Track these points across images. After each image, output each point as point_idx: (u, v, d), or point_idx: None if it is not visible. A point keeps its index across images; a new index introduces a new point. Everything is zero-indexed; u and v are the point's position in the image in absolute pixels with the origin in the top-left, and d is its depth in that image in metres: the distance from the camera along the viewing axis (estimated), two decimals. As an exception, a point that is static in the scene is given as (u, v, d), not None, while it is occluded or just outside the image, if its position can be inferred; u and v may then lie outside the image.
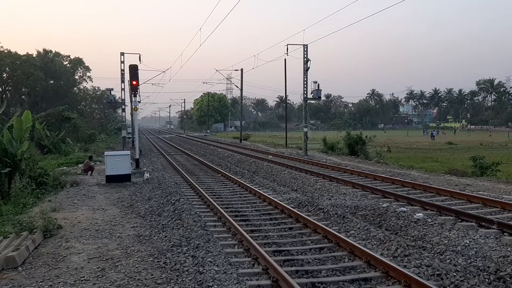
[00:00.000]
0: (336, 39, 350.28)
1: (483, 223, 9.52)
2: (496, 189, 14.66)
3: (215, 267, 7.12)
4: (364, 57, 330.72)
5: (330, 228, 9.53)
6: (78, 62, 79.55)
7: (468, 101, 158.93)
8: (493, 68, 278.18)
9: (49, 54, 76.11)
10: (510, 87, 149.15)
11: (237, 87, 56.51)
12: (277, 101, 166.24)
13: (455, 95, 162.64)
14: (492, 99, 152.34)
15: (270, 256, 7.48)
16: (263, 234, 9.66)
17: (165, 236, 9.41)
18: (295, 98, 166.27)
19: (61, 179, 17.59)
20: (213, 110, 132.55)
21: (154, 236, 9.56)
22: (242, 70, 52.41)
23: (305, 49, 32.33)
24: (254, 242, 8.18)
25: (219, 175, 20.40)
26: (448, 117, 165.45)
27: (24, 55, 68.44)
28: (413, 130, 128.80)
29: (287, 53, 33.39)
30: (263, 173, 20.94)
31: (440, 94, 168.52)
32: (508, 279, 6.52)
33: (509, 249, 7.92)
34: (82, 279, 7.00)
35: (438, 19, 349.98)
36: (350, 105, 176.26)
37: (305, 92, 32.66)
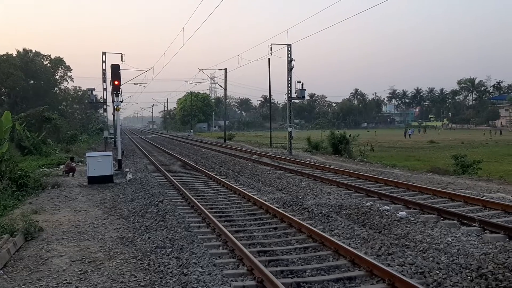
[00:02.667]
0: (320, 39, 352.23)
1: (465, 221, 9.66)
2: (477, 187, 14.87)
3: (200, 269, 7.08)
4: (347, 57, 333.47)
5: (314, 227, 9.55)
6: (58, 62, 78.60)
7: (450, 100, 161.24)
8: (473, 68, 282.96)
9: (29, 53, 75.08)
10: (491, 86, 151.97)
11: (221, 86, 56.47)
12: (261, 100, 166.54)
13: (437, 94, 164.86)
14: (473, 98, 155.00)
15: (255, 257, 7.46)
16: (248, 235, 9.64)
17: (149, 238, 9.33)
18: (279, 98, 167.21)
19: (42, 180, 17.33)
20: (197, 109, 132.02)
21: (138, 238, 9.46)
22: (225, 69, 52.39)
23: (289, 49, 32.44)
24: (238, 243, 8.15)
25: (203, 175, 20.32)
26: (430, 116, 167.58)
27: (3, 54, 67.32)
28: (395, 129, 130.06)
29: (271, 53, 33.56)
30: (247, 173, 20.91)
31: (422, 94, 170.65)
32: (490, 276, 6.60)
33: (490, 246, 8.04)
34: (64, 282, 6.89)
35: (420, 21, 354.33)
36: (334, 104, 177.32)
37: (289, 91, 32.77)
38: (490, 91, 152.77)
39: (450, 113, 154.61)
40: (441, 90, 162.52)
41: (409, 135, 72.09)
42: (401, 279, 6.28)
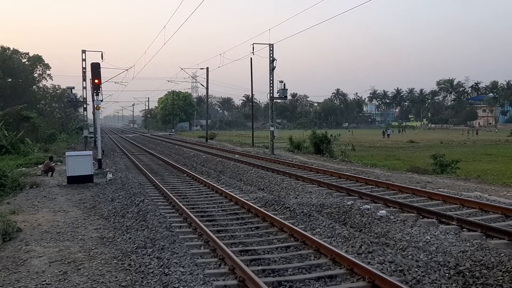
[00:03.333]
0: (302, 40, 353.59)
1: (443, 220, 9.81)
2: (455, 186, 15.11)
3: (181, 268, 7.05)
4: (329, 58, 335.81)
5: (296, 226, 9.60)
6: (37, 60, 77.14)
7: (429, 100, 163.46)
8: (452, 69, 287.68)
9: (7, 51, 73.51)
10: (469, 87, 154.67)
11: (203, 85, 56.49)
12: (243, 100, 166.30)
13: (417, 94, 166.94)
14: (452, 99, 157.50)
15: (236, 256, 7.47)
16: (229, 234, 9.64)
17: (129, 238, 9.25)
18: (262, 97, 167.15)
19: (20, 180, 17.06)
20: (178, 109, 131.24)
21: (118, 238, 9.38)
22: (207, 68, 52.22)
23: (271, 48, 32.48)
24: (220, 242, 8.14)
25: (185, 175, 20.22)
26: (409, 116, 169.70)
27: (-19, 52, 65.89)
28: (376, 129, 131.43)
29: (253, 52, 33.52)
30: (229, 172, 20.89)
31: (402, 94, 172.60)
32: (467, 273, 6.73)
33: (468, 244, 8.18)
34: (43, 283, 6.79)
35: (401, 24, 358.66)
36: (316, 104, 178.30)
37: (271, 91, 32.80)
38: (468, 91, 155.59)
39: (429, 113, 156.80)
40: (421, 90, 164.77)
41: (388, 135, 73.25)
42: (381, 277, 6.36)
